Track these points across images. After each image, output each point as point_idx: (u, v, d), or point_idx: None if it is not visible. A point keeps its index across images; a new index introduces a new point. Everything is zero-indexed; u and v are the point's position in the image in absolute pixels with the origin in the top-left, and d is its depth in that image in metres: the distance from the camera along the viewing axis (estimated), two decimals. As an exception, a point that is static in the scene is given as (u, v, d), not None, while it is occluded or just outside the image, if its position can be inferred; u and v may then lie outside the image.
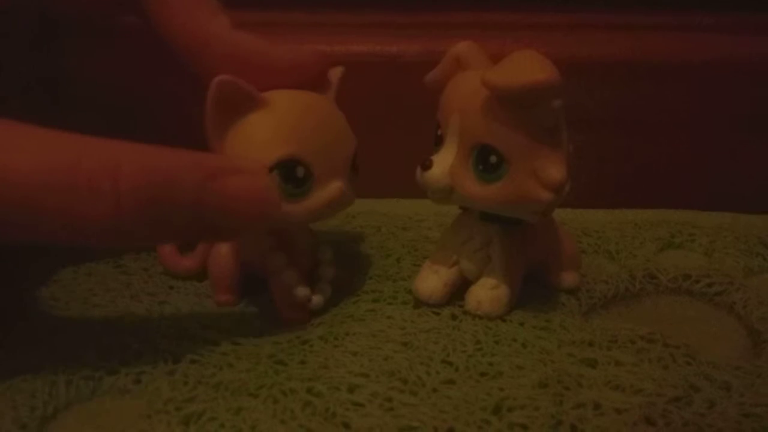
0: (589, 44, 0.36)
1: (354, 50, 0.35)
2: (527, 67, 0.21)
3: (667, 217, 0.34)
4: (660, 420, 0.20)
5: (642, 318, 0.26)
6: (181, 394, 0.21)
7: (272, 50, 0.24)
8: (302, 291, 0.25)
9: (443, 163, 0.24)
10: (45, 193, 0.19)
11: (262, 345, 0.24)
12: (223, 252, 0.26)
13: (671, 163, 0.38)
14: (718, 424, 0.20)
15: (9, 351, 0.23)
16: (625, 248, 0.31)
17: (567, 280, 0.27)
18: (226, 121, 0.22)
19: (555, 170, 0.22)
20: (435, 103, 0.25)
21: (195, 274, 0.28)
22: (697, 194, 0.36)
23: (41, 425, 0.20)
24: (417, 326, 0.25)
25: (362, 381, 0.22)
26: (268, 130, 0.23)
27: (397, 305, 0.26)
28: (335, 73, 0.26)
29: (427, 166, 0.24)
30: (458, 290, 0.26)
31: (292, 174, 0.23)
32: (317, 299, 0.25)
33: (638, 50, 0.36)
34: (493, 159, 0.23)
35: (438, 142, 0.25)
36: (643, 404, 0.21)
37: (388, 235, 0.32)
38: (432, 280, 0.26)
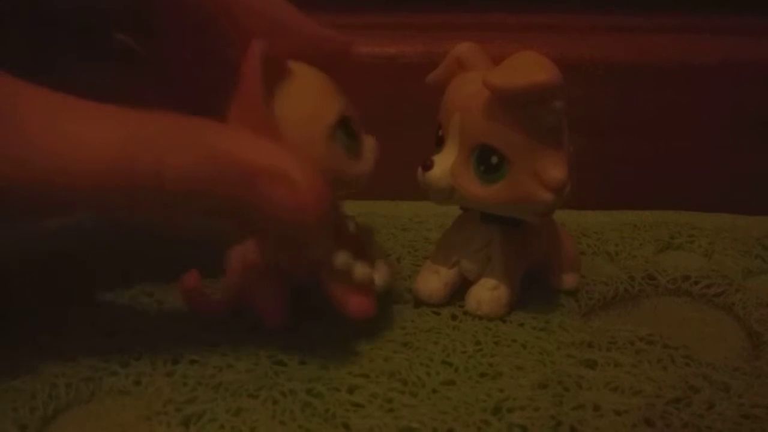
0: (589, 45, 0.36)
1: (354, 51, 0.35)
2: (529, 68, 0.22)
3: (666, 218, 0.34)
4: (659, 421, 0.20)
5: (641, 319, 0.27)
6: (180, 396, 0.21)
7: (297, 20, 0.24)
8: (361, 268, 0.22)
9: (444, 163, 0.24)
10: (105, 178, 0.19)
11: (262, 345, 0.24)
12: (259, 274, 0.24)
13: (671, 165, 0.38)
14: (717, 425, 0.20)
15: (9, 352, 0.23)
16: (624, 249, 0.31)
17: (567, 282, 0.27)
18: (270, 92, 0.21)
19: (556, 171, 0.22)
20: (435, 104, 0.25)
21: (225, 312, 0.25)
22: (696, 196, 0.36)
23: (41, 426, 0.20)
24: (417, 326, 0.25)
25: (362, 382, 0.22)
26: (318, 92, 0.22)
27: (397, 305, 0.26)
28: None
29: (428, 166, 0.24)
30: (458, 290, 0.26)
31: (349, 127, 0.22)
32: (379, 278, 0.23)
33: (639, 52, 0.36)
34: (494, 159, 0.23)
35: (439, 143, 0.25)
36: (643, 405, 0.21)
37: (388, 236, 0.32)
38: (432, 281, 0.26)
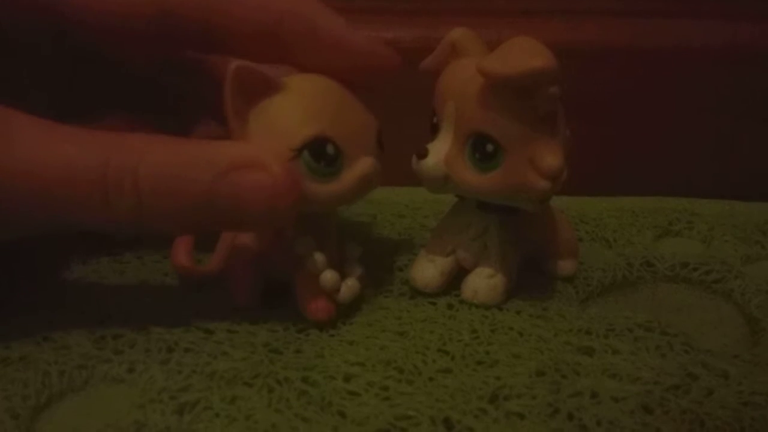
0: (585, 30, 0.36)
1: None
2: (524, 53, 0.21)
3: (664, 204, 0.34)
4: (658, 408, 0.20)
5: (639, 306, 0.26)
6: (175, 384, 0.21)
7: (348, 33, 0.24)
8: (330, 275, 0.23)
9: (439, 151, 0.24)
10: (75, 188, 0.20)
11: (258, 333, 0.24)
12: (243, 255, 0.25)
13: (669, 150, 0.38)
14: (716, 412, 0.20)
15: (1, 340, 0.23)
16: (622, 236, 0.31)
17: (564, 268, 0.27)
18: (245, 107, 0.22)
19: (552, 158, 0.22)
20: (431, 90, 0.25)
21: (210, 280, 0.26)
22: (695, 182, 0.36)
23: (34, 415, 0.20)
24: (413, 315, 0.25)
25: (358, 370, 0.22)
26: (294, 111, 0.22)
27: (393, 295, 0.26)
28: None
29: (422, 154, 0.24)
30: (454, 279, 0.26)
31: (323, 152, 0.22)
32: (345, 291, 0.24)
33: (635, 36, 0.36)
34: (489, 147, 0.22)
35: (434, 130, 0.24)
36: (641, 392, 0.21)
37: (384, 223, 0.32)
38: (428, 269, 0.26)
